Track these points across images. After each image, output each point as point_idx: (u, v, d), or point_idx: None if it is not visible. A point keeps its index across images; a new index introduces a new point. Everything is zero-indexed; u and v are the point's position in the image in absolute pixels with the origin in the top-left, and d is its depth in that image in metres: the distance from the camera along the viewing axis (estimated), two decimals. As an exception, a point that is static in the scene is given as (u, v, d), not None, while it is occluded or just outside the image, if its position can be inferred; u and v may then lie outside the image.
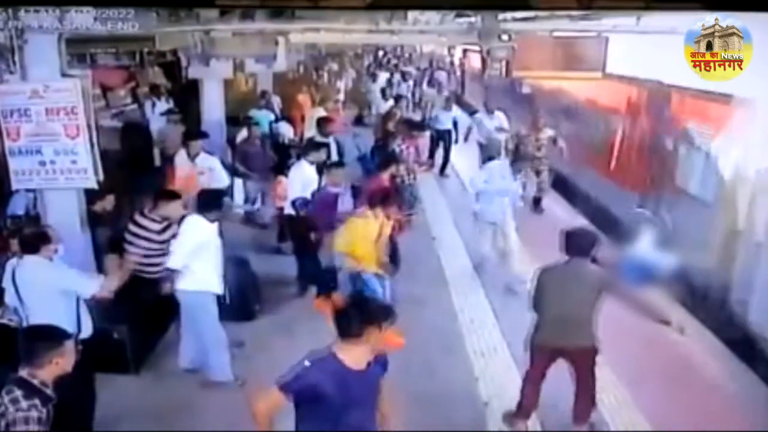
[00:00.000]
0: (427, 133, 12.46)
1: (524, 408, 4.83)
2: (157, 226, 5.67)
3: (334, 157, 8.25)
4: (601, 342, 4.61)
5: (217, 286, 5.21)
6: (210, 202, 5.30)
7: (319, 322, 6.25)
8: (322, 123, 8.93)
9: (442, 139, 12.46)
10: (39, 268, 4.37)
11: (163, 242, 5.57)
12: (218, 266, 5.22)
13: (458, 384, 5.37)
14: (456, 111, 12.83)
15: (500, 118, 11.46)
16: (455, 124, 12.60)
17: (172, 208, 5.64)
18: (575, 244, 4.65)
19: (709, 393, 5.26)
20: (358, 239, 5.72)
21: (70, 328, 4.13)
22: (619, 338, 5.04)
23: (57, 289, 4.35)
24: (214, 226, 5.21)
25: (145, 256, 5.57)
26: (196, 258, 5.07)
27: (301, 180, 6.90)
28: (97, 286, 4.46)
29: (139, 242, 5.67)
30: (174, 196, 5.80)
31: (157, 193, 5.94)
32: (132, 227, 5.76)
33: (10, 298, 4.44)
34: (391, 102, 13.43)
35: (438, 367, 5.48)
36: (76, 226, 5.70)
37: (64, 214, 5.64)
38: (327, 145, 8.02)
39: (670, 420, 4.79)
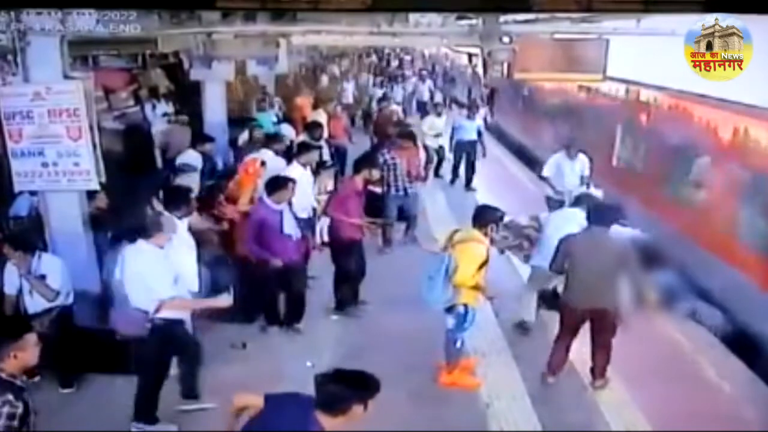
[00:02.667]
0: (420, 144, 11.79)
1: (551, 365, 5.27)
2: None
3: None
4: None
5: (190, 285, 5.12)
6: (178, 199, 5.31)
7: (319, 323, 6.30)
8: (312, 127, 8.94)
9: (465, 151, 11.28)
10: (145, 253, 4.47)
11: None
12: (190, 264, 5.15)
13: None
14: (479, 121, 11.87)
15: (584, 163, 8.51)
16: (479, 134, 11.39)
17: None
18: (597, 215, 5.06)
19: (709, 392, 5.26)
20: (469, 267, 4.92)
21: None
22: (620, 337, 5.05)
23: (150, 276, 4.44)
24: (184, 223, 5.18)
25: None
26: None
27: None
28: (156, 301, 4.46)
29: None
30: None
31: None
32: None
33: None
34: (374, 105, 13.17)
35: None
36: (79, 227, 5.70)
37: (66, 215, 5.64)
38: (319, 147, 7.98)
39: (670, 420, 4.79)
